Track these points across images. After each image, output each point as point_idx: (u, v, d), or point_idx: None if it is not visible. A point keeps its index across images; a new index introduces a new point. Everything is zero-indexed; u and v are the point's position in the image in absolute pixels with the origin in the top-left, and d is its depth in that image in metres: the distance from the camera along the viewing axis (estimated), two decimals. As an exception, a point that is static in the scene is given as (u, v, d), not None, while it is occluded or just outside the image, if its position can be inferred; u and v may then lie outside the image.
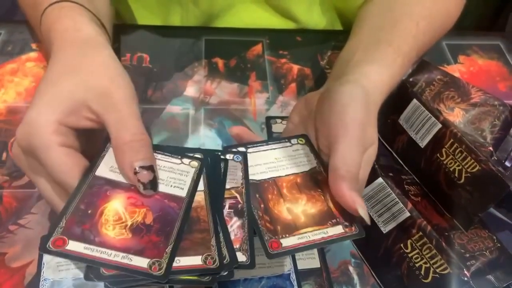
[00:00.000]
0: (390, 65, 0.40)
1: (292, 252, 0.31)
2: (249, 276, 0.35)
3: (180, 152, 0.33)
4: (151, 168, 0.30)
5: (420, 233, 0.36)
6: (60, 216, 0.28)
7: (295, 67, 0.52)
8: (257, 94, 0.48)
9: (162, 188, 0.31)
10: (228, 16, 0.56)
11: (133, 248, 0.27)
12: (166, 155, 0.33)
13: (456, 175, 0.38)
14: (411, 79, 0.45)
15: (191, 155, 0.33)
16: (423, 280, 0.34)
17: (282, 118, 0.46)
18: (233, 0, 0.54)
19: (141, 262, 0.27)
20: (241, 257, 0.30)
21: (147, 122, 0.45)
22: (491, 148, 0.41)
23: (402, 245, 0.36)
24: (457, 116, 0.43)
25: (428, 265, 0.35)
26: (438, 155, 0.39)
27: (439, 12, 0.46)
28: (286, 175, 0.35)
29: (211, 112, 0.46)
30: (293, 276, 0.36)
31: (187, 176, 0.32)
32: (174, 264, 0.27)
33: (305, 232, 0.31)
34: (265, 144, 0.37)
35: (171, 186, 0.31)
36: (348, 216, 0.32)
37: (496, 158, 0.42)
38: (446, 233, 0.36)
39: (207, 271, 0.27)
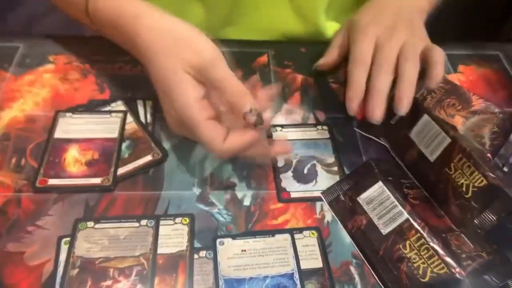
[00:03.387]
0: None
1: None
2: (254, 275, 0.37)
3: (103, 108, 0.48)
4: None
5: (418, 235, 0.37)
6: (38, 167, 0.42)
7: (299, 77, 0.54)
8: (263, 103, 0.50)
9: (100, 135, 0.45)
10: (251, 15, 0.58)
11: (90, 174, 0.42)
12: (96, 112, 0.47)
13: (464, 189, 0.39)
14: None
15: (117, 109, 0.48)
16: (421, 280, 0.36)
17: (282, 126, 0.48)
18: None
19: (96, 180, 0.41)
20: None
21: (158, 129, 0.47)
22: (489, 155, 0.42)
23: (401, 246, 0.37)
24: (457, 123, 0.44)
25: (425, 265, 0.36)
26: (446, 169, 0.40)
27: None
28: None
29: (218, 120, 0.48)
30: (296, 276, 0.37)
31: (116, 124, 0.46)
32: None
33: None
34: None
35: (107, 132, 0.45)
36: None
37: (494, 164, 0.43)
38: (444, 235, 0.38)
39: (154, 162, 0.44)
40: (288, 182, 0.43)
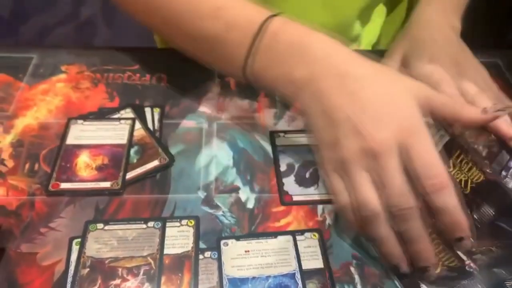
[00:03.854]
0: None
1: None
2: (257, 275, 0.38)
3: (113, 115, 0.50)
4: None
5: (430, 230, 0.38)
6: (51, 172, 0.44)
7: (302, 85, 0.55)
8: (266, 110, 0.52)
9: (110, 141, 0.47)
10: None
11: (99, 178, 0.44)
12: (106, 120, 0.49)
13: (463, 185, 0.40)
14: None
15: (125, 116, 0.50)
16: None
17: (285, 132, 0.49)
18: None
19: (106, 184, 0.43)
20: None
21: (165, 135, 0.49)
22: (487, 161, 0.43)
23: None
24: (455, 130, 0.45)
25: (436, 259, 0.37)
26: (446, 166, 0.41)
27: None
28: None
29: (223, 126, 0.50)
30: (298, 276, 0.38)
31: (125, 131, 0.48)
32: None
33: None
34: None
35: (116, 138, 0.47)
36: None
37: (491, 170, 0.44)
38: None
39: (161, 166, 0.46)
40: (291, 186, 0.45)
